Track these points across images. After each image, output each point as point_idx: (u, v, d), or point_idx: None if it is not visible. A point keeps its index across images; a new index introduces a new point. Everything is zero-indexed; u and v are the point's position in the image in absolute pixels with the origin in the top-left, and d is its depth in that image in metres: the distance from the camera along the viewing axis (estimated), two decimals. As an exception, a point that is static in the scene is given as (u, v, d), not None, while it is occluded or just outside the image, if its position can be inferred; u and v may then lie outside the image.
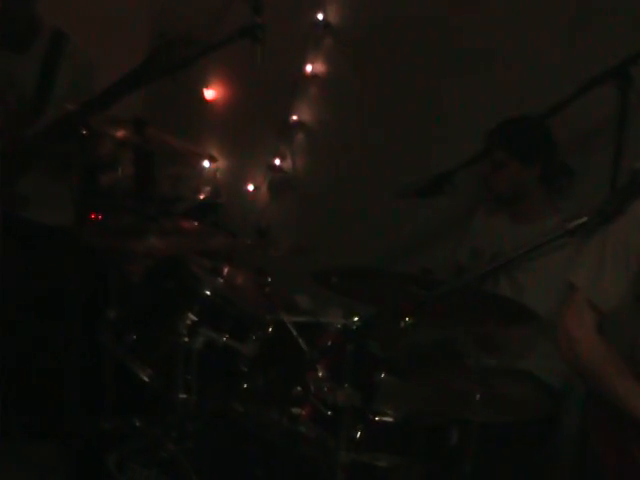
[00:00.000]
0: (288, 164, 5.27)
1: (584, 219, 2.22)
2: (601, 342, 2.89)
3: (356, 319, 3.12)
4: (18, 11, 4.51)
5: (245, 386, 3.32)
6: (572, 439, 3.51)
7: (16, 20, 4.52)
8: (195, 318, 3.39)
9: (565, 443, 3.71)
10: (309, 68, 5.02)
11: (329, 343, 3.24)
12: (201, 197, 5.53)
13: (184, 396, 3.35)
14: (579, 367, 2.92)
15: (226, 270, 3.82)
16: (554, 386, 3.73)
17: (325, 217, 5.00)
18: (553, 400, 3.64)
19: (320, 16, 4.90)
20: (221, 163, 5.56)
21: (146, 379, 3.51)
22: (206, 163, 5.66)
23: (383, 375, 3.25)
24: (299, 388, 3.18)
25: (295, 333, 3.27)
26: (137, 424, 3.45)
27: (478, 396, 2.98)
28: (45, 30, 4.57)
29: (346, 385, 2.93)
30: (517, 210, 3.93)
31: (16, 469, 4.48)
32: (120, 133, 3.89)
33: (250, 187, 5.44)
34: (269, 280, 3.65)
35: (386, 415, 3.20)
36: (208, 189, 5.59)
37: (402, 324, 2.91)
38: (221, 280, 3.72)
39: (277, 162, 5.30)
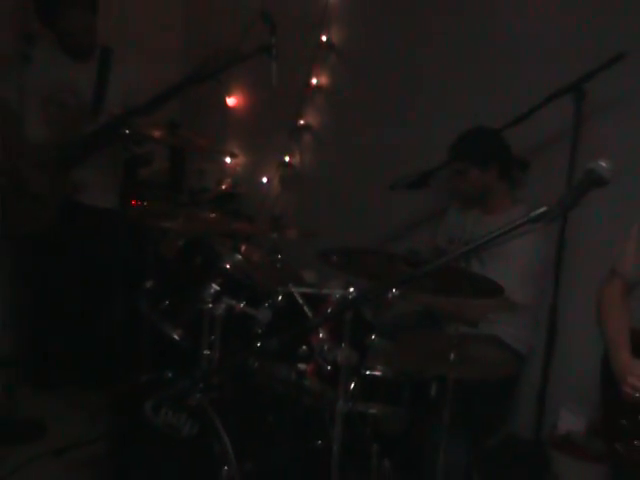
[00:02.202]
0: (297, 160, 5.27)
1: (544, 209, 2.22)
2: (617, 302, 3.05)
3: (352, 290, 3.13)
4: (85, 26, 4.51)
5: (259, 345, 3.32)
6: (529, 395, 3.50)
7: (82, 34, 4.51)
8: (218, 288, 3.37)
9: (523, 397, 3.72)
10: (315, 80, 5.02)
11: (330, 310, 3.23)
12: (223, 187, 5.53)
13: (208, 352, 3.35)
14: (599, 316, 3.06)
15: (244, 249, 3.80)
16: (517, 350, 3.74)
17: (327, 205, 5.01)
18: (516, 361, 3.65)
19: (324, 37, 4.90)
20: (240, 159, 5.57)
21: (177, 338, 3.52)
22: (228, 159, 5.66)
23: (374, 337, 3.26)
24: (304, 348, 3.19)
25: (301, 302, 3.28)
26: (169, 376, 3.45)
27: (453, 356, 2.99)
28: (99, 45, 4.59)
29: (343, 345, 2.93)
30: (483, 204, 3.93)
31: (69, 414, 4.51)
32: (157, 133, 3.88)
33: (264, 179, 5.44)
34: (279, 258, 3.66)
35: (377, 370, 3.21)
36: (229, 181, 5.59)
37: (390, 295, 2.92)
38: (240, 257, 3.70)
39: (287, 159, 5.30)
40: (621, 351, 2.95)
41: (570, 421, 3.64)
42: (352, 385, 3.15)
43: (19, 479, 3.80)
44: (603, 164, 2.27)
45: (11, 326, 4.62)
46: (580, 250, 3.56)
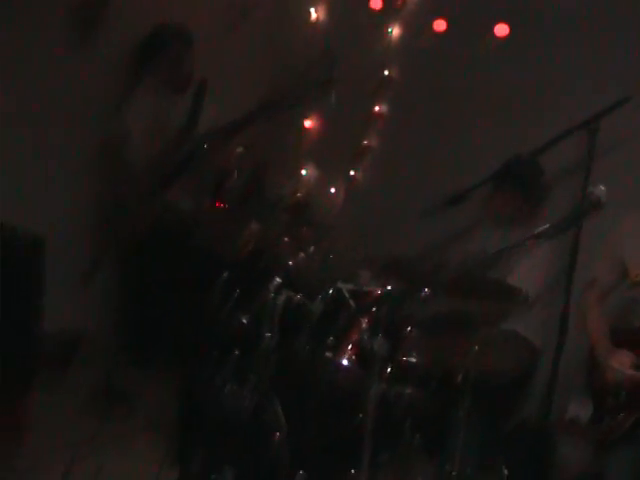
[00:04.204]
0: (360, 175, 5.27)
1: (546, 226, 2.20)
2: (594, 308, 3.27)
3: (389, 288, 3.12)
4: (184, 61, 4.56)
5: (311, 332, 3.33)
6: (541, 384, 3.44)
7: (179, 72, 4.56)
8: (280, 281, 3.40)
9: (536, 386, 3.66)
10: (377, 108, 5.01)
11: (370, 304, 3.22)
12: (297, 197, 5.54)
13: (269, 334, 3.36)
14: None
15: (312, 249, 3.81)
16: (534, 343, 3.68)
17: (381, 215, 4.99)
18: (532, 354, 3.60)
19: (386, 72, 4.89)
20: (312, 173, 5.57)
21: (245, 322, 3.54)
22: (303, 172, 5.67)
23: (410, 330, 3.24)
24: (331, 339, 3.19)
25: (347, 296, 3.28)
26: (236, 354, 3.48)
27: (476, 348, 2.96)
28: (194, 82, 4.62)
29: (380, 335, 2.92)
30: (513, 221, 3.87)
31: (150, 388, 4.57)
32: (239, 150, 3.92)
33: (332, 190, 5.44)
34: (331, 258, 3.66)
35: (411, 357, 3.20)
36: (303, 191, 5.60)
37: (422, 295, 2.90)
38: (303, 255, 3.71)
39: (352, 173, 5.30)
40: (602, 341, 3.15)
41: (577, 408, 3.58)
42: (388, 369, 3.14)
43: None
44: (602, 187, 2.24)
45: (109, 314, 4.68)
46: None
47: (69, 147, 4.63)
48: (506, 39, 4.00)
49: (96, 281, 5.00)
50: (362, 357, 3.14)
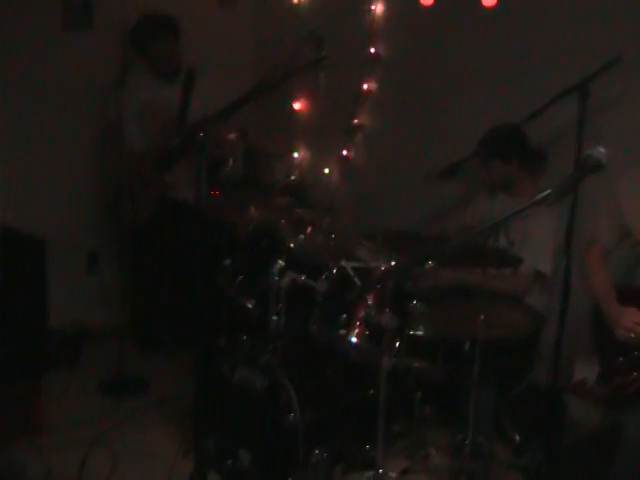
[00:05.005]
0: (352, 154, 5.25)
1: (549, 191, 2.21)
2: (599, 266, 3.22)
3: (393, 263, 3.13)
4: (171, 51, 4.57)
5: (318, 312, 3.34)
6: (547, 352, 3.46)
7: (169, 58, 4.58)
8: (283, 264, 3.41)
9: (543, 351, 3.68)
10: (365, 86, 4.99)
11: (375, 280, 3.23)
12: (291, 179, 5.54)
13: (276, 318, 3.38)
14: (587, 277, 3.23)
15: (308, 230, 3.81)
16: (538, 310, 3.70)
17: (377, 192, 4.99)
18: (537, 321, 3.62)
19: (372, 49, 4.86)
20: (305, 154, 5.56)
21: (250, 307, 3.56)
22: (295, 154, 5.66)
23: (416, 303, 3.25)
24: (344, 316, 3.19)
25: (352, 274, 3.28)
26: (244, 339, 3.49)
27: (482, 317, 2.97)
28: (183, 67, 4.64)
29: (387, 310, 2.93)
30: (509, 190, 3.88)
31: (162, 369, 4.61)
32: (232, 136, 3.92)
33: (326, 171, 5.43)
34: (333, 237, 3.67)
35: (419, 331, 3.21)
36: (296, 173, 5.59)
37: (427, 267, 2.90)
38: (302, 237, 3.72)
39: (345, 153, 5.28)
40: (610, 301, 3.13)
41: (583, 371, 3.60)
42: (397, 344, 3.15)
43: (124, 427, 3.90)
44: (601, 149, 2.24)
45: (121, 300, 4.70)
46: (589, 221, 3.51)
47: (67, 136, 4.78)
48: (494, 9, 3.96)
49: (99, 271, 5.08)
50: (371, 333, 3.15)
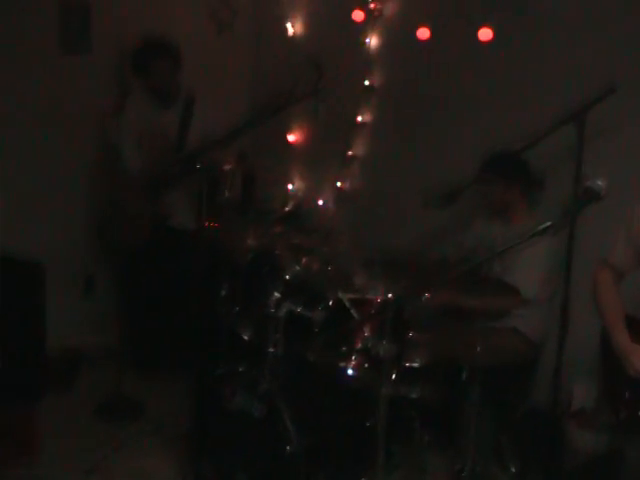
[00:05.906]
0: (347, 185, 5.26)
1: (549, 223, 2.21)
2: (611, 289, 3.05)
3: (390, 295, 3.12)
4: (171, 76, 4.59)
5: (315, 342, 3.32)
6: (545, 378, 3.45)
7: (169, 83, 4.59)
8: (279, 295, 3.39)
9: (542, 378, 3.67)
10: (360, 118, 5.01)
11: (373, 312, 3.22)
12: (287, 209, 5.53)
13: (272, 350, 3.36)
14: (596, 302, 3.07)
15: (304, 261, 3.79)
16: (532, 339, 3.69)
17: (372, 220, 4.99)
18: (531, 349, 3.62)
19: (367, 82, 4.88)
20: (300, 185, 5.57)
21: (247, 338, 3.54)
22: (290, 186, 5.66)
23: (411, 334, 3.24)
24: (344, 349, 3.18)
25: (349, 305, 3.27)
26: (242, 369, 3.47)
27: (479, 348, 2.96)
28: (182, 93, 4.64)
29: (384, 341, 2.92)
30: (505, 216, 3.89)
31: (159, 393, 4.54)
32: (229, 164, 3.91)
33: (320, 202, 5.43)
34: (330, 269, 3.65)
35: (414, 362, 3.20)
36: (292, 203, 5.59)
37: (423, 298, 2.90)
38: (298, 268, 3.70)
39: (339, 184, 5.29)
40: (621, 334, 2.97)
41: (582, 396, 3.60)
42: (394, 375, 3.13)
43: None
44: (599, 182, 2.25)
45: (117, 324, 4.67)
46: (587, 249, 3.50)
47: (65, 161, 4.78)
48: (490, 43, 4.00)
49: (96, 295, 5.05)
50: (369, 363, 3.14)
